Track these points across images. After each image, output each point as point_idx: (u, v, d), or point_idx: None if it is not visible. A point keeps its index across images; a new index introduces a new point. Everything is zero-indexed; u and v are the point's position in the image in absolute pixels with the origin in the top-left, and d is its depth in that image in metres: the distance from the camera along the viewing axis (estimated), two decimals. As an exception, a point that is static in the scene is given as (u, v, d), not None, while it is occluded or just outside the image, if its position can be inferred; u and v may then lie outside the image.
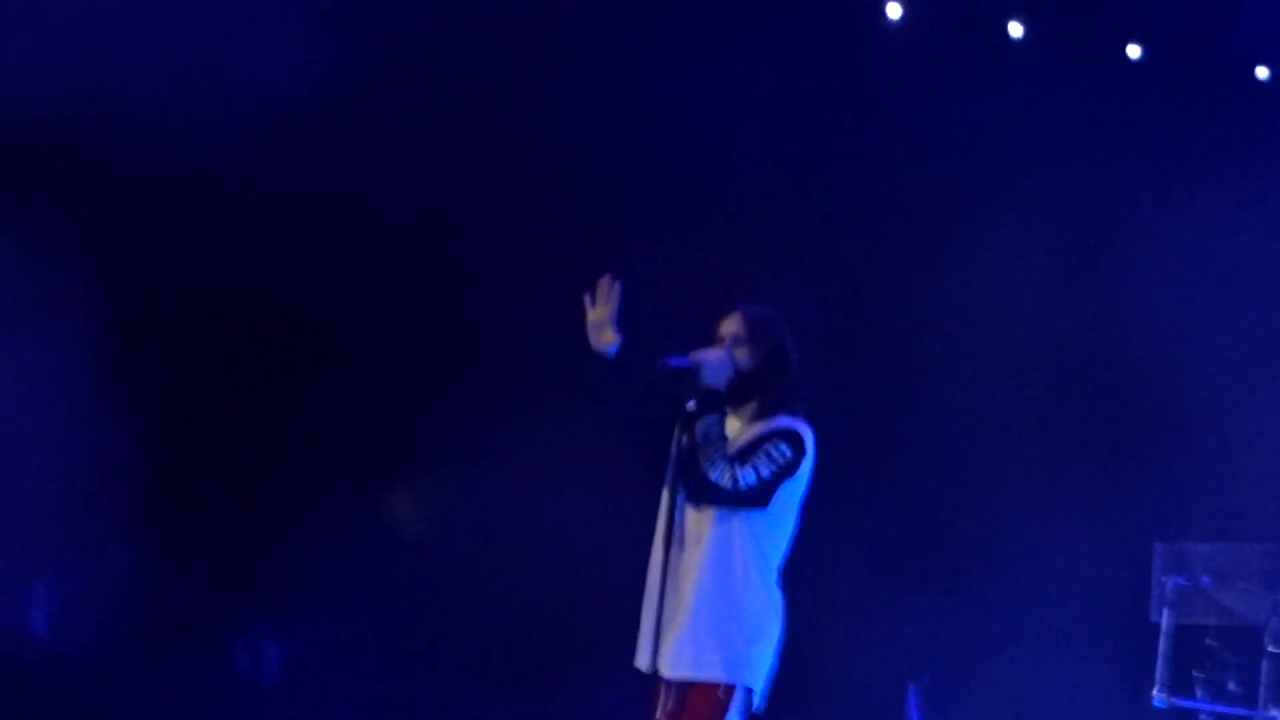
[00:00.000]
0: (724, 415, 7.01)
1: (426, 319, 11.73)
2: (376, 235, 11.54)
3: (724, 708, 6.95)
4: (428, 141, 11.55)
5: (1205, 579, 9.55)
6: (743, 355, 7.10)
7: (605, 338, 6.94)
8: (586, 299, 6.95)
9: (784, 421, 7.03)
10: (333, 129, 11.19)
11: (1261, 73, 12.65)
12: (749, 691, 6.98)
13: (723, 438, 6.94)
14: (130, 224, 11.25)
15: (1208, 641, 9.50)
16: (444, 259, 11.78)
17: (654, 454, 7.11)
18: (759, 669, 7.00)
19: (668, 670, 7.01)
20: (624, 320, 6.94)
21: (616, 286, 6.96)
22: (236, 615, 11.99)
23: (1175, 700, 9.27)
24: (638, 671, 7.06)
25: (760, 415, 7.10)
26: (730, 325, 7.19)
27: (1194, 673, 9.37)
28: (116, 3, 10.41)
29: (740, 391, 7.08)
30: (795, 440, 6.98)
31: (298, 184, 11.27)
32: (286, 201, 11.24)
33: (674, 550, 7.01)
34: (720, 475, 6.88)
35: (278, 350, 11.74)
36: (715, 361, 7.02)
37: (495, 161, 11.66)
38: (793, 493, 7.04)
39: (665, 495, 7.09)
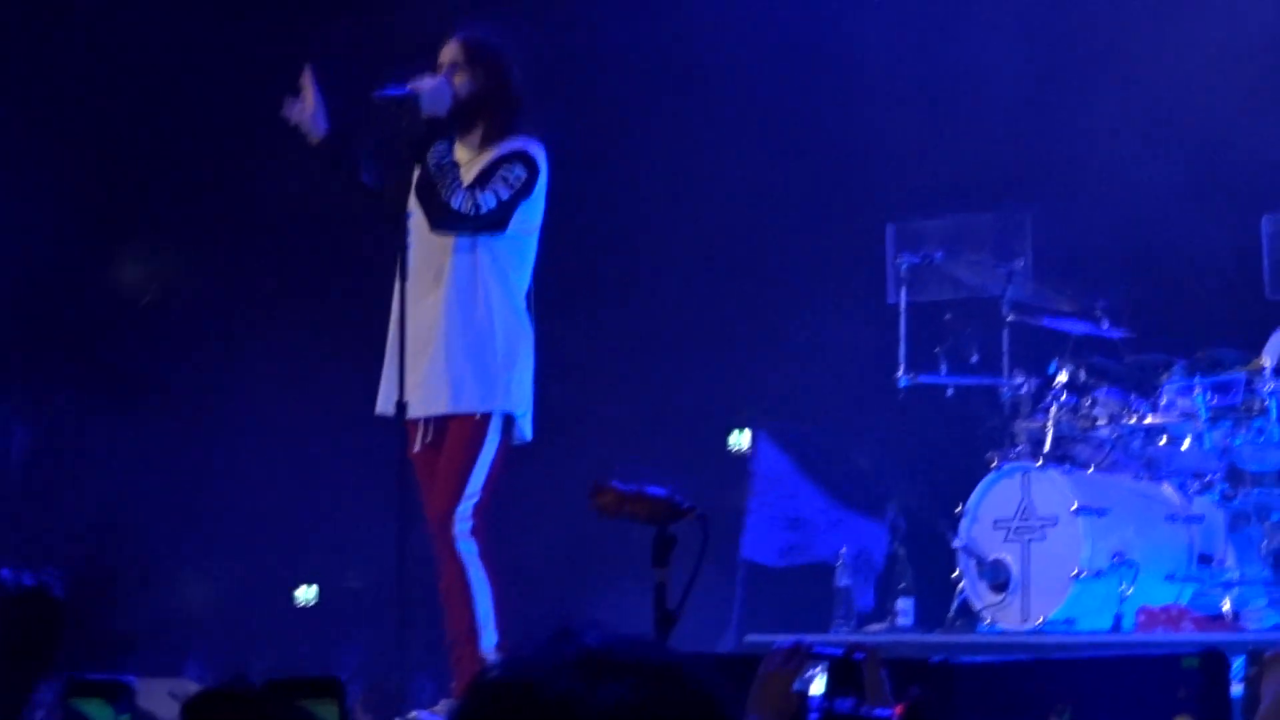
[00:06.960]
0: (453, 142, 6.91)
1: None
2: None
3: (483, 431, 6.94)
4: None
5: (938, 254, 9.62)
6: (462, 81, 7.03)
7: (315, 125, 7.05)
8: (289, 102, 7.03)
9: (514, 143, 7.01)
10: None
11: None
12: (508, 417, 6.95)
13: (455, 164, 6.86)
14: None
15: (946, 317, 9.58)
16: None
17: None
18: (517, 394, 7.01)
19: (422, 408, 6.93)
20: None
21: (309, 72, 7.04)
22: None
23: (920, 377, 9.37)
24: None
25: (488, 140, 7.06)
26: (447, 53, 7.10)
27: (935, 349, 9.45)
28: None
29: (464, 118, 6.99)
30: (528, 160, 6.97)
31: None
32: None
33: (411, 284, 6.92)
34: (462, 202, 6.83)
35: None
36: (432, 88, 6.93)
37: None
38: (530, 214, 7.02)
39: (397, 231, 6.98)
